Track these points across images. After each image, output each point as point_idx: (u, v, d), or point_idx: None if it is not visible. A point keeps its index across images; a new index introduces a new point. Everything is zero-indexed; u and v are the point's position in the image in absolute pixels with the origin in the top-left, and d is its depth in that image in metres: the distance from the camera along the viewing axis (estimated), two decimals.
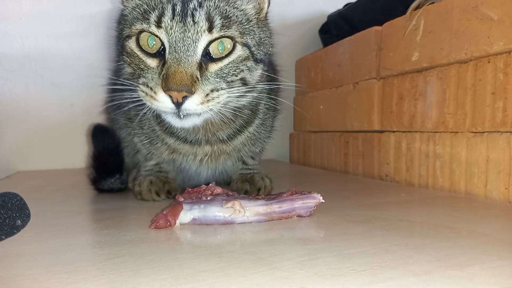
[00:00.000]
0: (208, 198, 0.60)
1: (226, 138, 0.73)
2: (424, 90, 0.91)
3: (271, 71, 0.85)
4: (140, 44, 0.59)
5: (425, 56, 0.90)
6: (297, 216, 0.61)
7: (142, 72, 0.59)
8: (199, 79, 0.56)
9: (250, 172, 0.86)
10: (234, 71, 0.60)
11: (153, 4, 0.58)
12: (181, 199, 0.61)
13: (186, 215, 0.57)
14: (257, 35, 0.64)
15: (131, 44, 0.60)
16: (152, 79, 0.57)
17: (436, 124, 0.88)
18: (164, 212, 0.57)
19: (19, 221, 0.53)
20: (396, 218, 0.61)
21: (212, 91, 0.57)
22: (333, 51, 1.27)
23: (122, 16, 0.67)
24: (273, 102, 0.81)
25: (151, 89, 0.56)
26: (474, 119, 0.79)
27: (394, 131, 1.01)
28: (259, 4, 0.66)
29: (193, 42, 0.55)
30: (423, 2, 0.90)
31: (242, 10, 0.63)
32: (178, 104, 0.56)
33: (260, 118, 0.76)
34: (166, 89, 0.54)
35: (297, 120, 1.56)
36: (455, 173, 0.83)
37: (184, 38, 0.55)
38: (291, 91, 1.59)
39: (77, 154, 1.33)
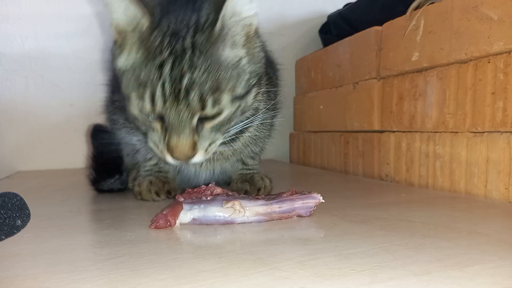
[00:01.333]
0: (208, 198, 0.60)
1: (227, 141, 0.72)
2: (424, 90, 0.91)
3: (270, 70, 0.85)
4: None
5: (425, 56, 0.90)
6: (297, 216, 0.61)
7: (148, 128, 0.60)
8: (198, 141, 0.58)
9: (250, 172, 0.86)
10: (228, 121, 0.60)
11: (142, 76, 0.55)
12: (181, 199, 0.61)
13: (186, 215, 0.57)
14: (249, 68, 0.60)
15: (129, 105, 0.58)
16: (160, 142, 0.59)
17: (436, 124, 0.88)
18: (164, 212, 0.57)
19: (19, 221, 0.53)
20: (396, 218, 0.61)
21: (210, 144, 0.60)
22: (333, 51, 1.27)
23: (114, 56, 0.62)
24: (272, 101, 0.81)
25: (161, 151, 0.59)
26: (474, 119, 0.79)
27: (394, 131, 1.01)
28: (248, 25, 0.59)
29: (188, 120, 0.56)
30: (423, 2, 0.90)
31: (235, 63, 0.58)
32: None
33: (260, 117, 0.76)
34: (173, 158, 0.58)
35: (297, 120, 1.56)
36: (455, 173, 0.83)
37: (179, 117, 0.55)
38: (291, 91, 1.59)
39: (77, 154, 1.33)
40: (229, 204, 0.57)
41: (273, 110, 0.83)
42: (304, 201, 0.61)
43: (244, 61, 0.59)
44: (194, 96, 0.54)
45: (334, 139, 1.28)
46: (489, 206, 0.70)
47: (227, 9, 0.54)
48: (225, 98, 0.56)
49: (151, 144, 0.61)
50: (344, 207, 0.69)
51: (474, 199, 0.76)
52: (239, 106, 0.60)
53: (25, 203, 0.55)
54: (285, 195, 0.61)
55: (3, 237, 0.51)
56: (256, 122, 0.75)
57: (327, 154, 1.33)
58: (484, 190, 0.77)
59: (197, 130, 0.58)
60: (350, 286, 0.36)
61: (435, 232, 0.53)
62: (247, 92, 0.61)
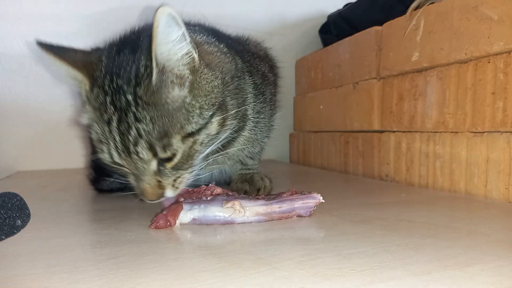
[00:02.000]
0: (208, 198, 0.60)
1: (221, 147, 0.71)
2: (424, 90, 0.91)
3: (269, 69, 0.85)
4: None
5: (425, 56, 0.90)
6: (297, 216, 0.61)
7: (124, 173, 0.62)
8: (162, 180, 0.59)
9: (250, 172, 0.86)
10: (187, 157, 0.60)
11: (99, 132, 0.58)
12: (181, 199, 0.61)
13: (186, 215, 0.57)
14: (198, 103, 0.59)
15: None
16: (135, 185, 0.60)
17: (436, 124, 0.88)
18: (164, 212, 0.57)
19: (19, 221, 0.53)
20: (396, 218, 0.61)
21: (175, 180, 0.60)
22: (333, 51, 1.27)
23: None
24: (270, 100, 0.81)
25: (139, 192, 0.60)
26: (474, 119, 0.79)
27: (394, 131, 1.01)
28: (189, 61, 0.58)
29: (146, 166, 0.57)
30: (423, 2, 0.90)
31: (179, 104, 0.57)
32: None
33: (251, 121, 0.75)
34: (147, 199, 0.59)
35: (297, 120, 1.56)
36: (455, 173, 0.83)
37: (137, 167, 0.57)
38: (291, 91, 1.59)
39: (77, 154, 1.33)
40: (229, 204, 0.57)
41: (270, 109, 0.82)
42: (304, 201, 0.61)
43: (188, 99, 0.58)
44: (142, 148, 0.55)
45: (334, 139, 1.28)
46: (489, 206, 0.70)
47: (157, 57, 0.54)
48: (175, 140, 0.56)
49: (136, 184, 0.62)
50: (344, 207, 0.69)
51: (474, 199, 0.76)
52: (194, 141, 0.59)
53: (25, 203, 0.55)
54: (285, 195, 0.62)
55: (3, 237, 0.51)
56: (248, 127, 0.75)
57: (327, 154, 1.33)
58: (484, 190, 0.77)
59: (159, 171, 0.58)
60: (350, 286, 0.36)
61: (435, 232, 0.53)
62: (204, 125, 0.59)
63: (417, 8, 0.91)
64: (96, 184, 0.88)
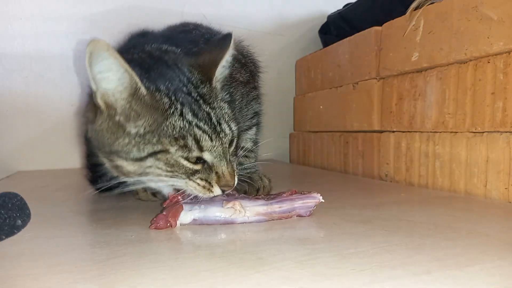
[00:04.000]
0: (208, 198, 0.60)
1: None
2: (424, 90, 0.91)
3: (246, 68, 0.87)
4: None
5: (425, 56, 0.90)
6: (297, 216, 0.61)
7: (189, 174, 0.61)
8: (233, 166, 0.63)
9: (248, 172, 0.86)
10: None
11: (178, 130, 0.58)
12: (180, 198, 0.61)
13: (187, 215, 0.57)
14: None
15: (170, 157, 0.59)
16: (208, 177, 0.61)
17: (435, 124, 0.88)
18: (164, 213, 0.57)
19: (20, 221, 0.53)
20: (396, 218, 0.61)
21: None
22: (333, 51, 1.27)
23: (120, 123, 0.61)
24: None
25: (210, 184, 0.61)
26: (474, 119, 0.79)
27: (393, 131, 1.01)
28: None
29: (228, 148, 0.62)
30: (423, 2, 0.90)
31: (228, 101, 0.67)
32: None
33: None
34: (220, 186, 0.61)
35: (297, 120, 1.56)
36: (454, 173, 0.83)
37: (223, 148, 0.61)
38: (291, 91, 1.59)
39: (77, 154, 1.33)
40: (230, 205, 0.57)
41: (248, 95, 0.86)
42: (304, 201, 0.61)
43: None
44: (225, 125, 0.61)
45: (334, 139, 1.28)
46: (489, 206, 0.70)
47: (217, 70, 0.65)
48: (234, 125, 0.64)
49: (191, 187, 0.61)
50: (344, 207, 0.69)
51: (474, 199, 0.76)
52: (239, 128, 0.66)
53: (25, 203, 0.55)
54: (285, 195, 0.62)
55: (4, 237, 0.51)
56: None
57: (327, 154, 1.33)
58: (484, 190, 0.77)
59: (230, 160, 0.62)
60: (350, 286, 0.36)
61: (435, 232, 0.53)
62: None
63: (417, 8, 0.91)
64: (94, 183, 0.88)
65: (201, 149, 0.58)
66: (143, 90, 0.57)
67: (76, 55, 1.37)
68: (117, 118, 0.59)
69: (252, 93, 0.87)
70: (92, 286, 0.37)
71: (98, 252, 0.48)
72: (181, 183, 0.60)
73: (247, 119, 0.86)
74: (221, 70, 0.66)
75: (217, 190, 0.60)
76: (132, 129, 0.58)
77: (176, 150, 0.57)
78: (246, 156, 0.87)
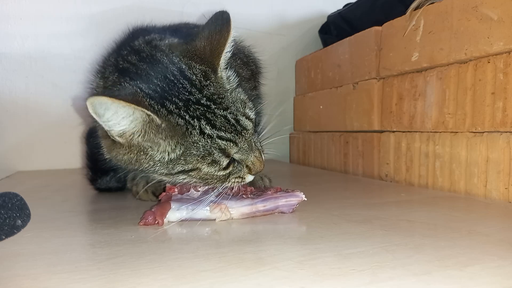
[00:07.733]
0: (199, 191, 0.63)
1: None
2: (424, 90, 0.91)
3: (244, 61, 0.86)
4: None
5: (425, 56, 0.90)
6: (279, 213, 0.64)
7: (224, 178, 0.62)
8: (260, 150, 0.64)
9: None
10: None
11: (202, 149, 0.57)
12: (175, 190, 0.63)
13: (174, 214, 0.59)
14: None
15: (202, 173, 0.60)
16: (240, 171, 0.63)
17: (436, 124, 0.88)
18: (153, 210, 0.59)
19: (19, 221, 0.53)
20: (396, 218, 0.61)
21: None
22: (333, 51, 1.27)
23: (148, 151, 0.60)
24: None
25: (242, 178, 0.63)
26: (474, 119, 0.79)
27: (394, 131, 1.01)
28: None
29: (253, 138, 0.62)
30: (423, 2, 0.90)
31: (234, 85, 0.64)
32: None
33: None
34: (253, 172, 0.63)
35: (297, 120, 1.56)
36: (454, 173, 0.83)
37: (248, 141, 0.61)
38: (291, 91, 1.59)
39: (77, 154, 1.33)
40: (216, 210, 0.60)
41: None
42: (287, 199, 0.64)
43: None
44: (243, 119, 0.60)
45: (334, 139, 1.28)
46: (489, 206, 0.70)
47: (221, 58, 0.60)
48: (251, 110, 0.63)
49: (230, 183, 0.62)
50: (344, 207, 0.69)
51: (474, 199, 0.76)
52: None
53: (25, 203, 0.55)
54: (269, 193, 0.64)
55: (3, 237, 0.51)
56: None
57: (327, 154, 1.33)
58: (484, 190, 0.77)
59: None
60: (350, 286, 0.36)
61: (435, 232, 0.53)
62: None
63: (417, 8, 0.91)
64: (94, 183, 0.88)
65: (228, 156, 0.59)
66: (156, 120, 0.55)
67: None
68: (138, 150, 0.58)
69: (253, 93, 0.87)
70: (92, 286, 0.37)
71: (98, 252, 0.47)
72: (217, 186, 0.62)
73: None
74: (225, 56, 0.61)
75: (249, 178, 0.63)
76: (157, 155, 0.58)
77: (205, 167, 0.58)
78: None
